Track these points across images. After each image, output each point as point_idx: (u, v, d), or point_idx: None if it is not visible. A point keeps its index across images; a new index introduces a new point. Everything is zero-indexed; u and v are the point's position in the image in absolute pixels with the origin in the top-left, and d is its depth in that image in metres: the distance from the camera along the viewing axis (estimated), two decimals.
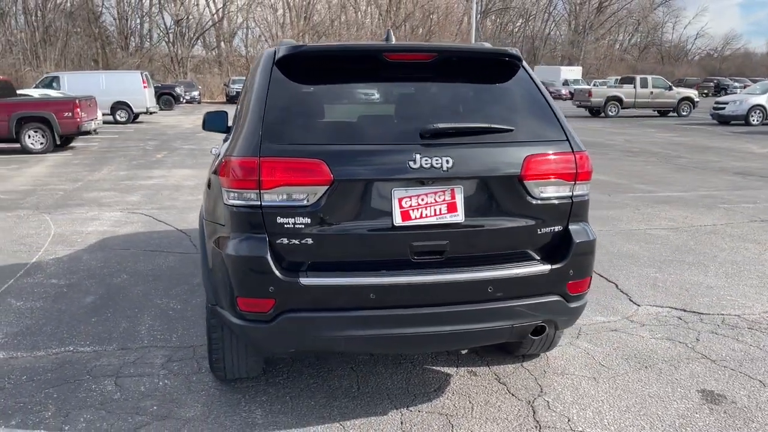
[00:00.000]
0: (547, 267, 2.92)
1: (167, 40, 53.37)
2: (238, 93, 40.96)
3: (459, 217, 2.80)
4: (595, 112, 28.85)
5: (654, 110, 29.51)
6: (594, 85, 48.31)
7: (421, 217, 2.77)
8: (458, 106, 3.09)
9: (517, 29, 75.42)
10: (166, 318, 4.40)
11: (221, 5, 55.78)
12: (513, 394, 3.36)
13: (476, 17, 68.93)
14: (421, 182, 2.75)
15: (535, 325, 2.98)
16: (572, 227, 3.01)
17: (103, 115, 21.41)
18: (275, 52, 3.00)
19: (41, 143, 15.07)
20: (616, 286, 5.17)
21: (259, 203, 2.70)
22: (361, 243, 2.78)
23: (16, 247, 6.39)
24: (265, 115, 2.79)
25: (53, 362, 3.73)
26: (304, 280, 2.70)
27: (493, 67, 3.17)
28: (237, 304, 2.77)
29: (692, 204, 8.67)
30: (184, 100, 36.17)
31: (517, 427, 3.05)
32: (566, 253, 2.96)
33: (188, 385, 3.45)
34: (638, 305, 4.74)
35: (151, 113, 25.62)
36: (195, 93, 40.33)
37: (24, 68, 43.84)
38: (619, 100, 28.38)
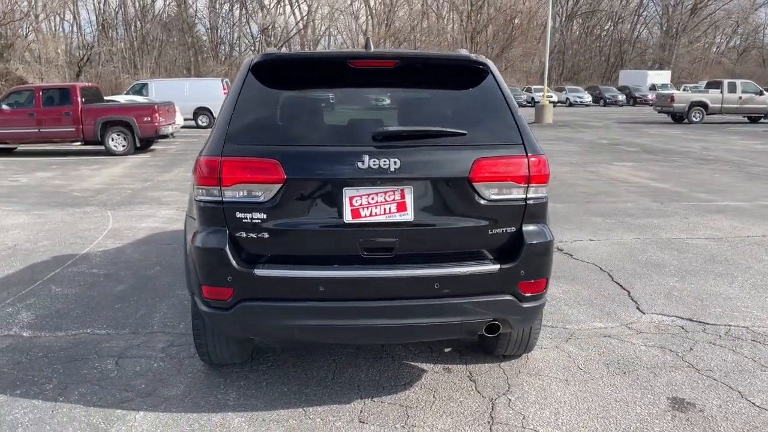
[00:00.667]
0: (496, 266, 3.01)
1: (253, 48, 55.36)
2: None
3: (408, 216, 2.94)
4: (678, 118, 27.73)
5: (744, 116, 28.04)
6: (684, 89, 46.40)
7: (370, 215, 2.92)
8: (418, 111, 3.23)
9: (604, 32, 73.32)
10: (180, 307, 4.73)
11: (305, 13, 57.34)
12: (479, 392, 3.45)
13: (557, 20, 67.53)
14: (372, 182, 2.91)
15: (486, 323, 3.06)
16: (526, 228, 3.08)
17: (186, 120, 22.65)
18: (252, 59, 3.24)
19: (123, 146, 16.11)
20: (629, 294, 5.11)
21: (220, 199, 2.94)
22: (314, 238, 2.97)
23: (73, 240, 6.96)
24: (233, 118, 3.03)
25: (69, 342, 4.12)
26: (258, 272, 2.92)
27: (458, 74, 3.28)
28: (202, 291, 3.02)
29: (748, 214, 8.32)
30: None
31: (470, 422, 3.14)
32: (518, 253, 3.04)
33: (179, 368, 3.73)
34: (644, 313, 4.67)
35: None
36: None
37: (122, 76, 46.68)
38: (704, 105, 27.14)
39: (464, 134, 3.03)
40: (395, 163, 2.90)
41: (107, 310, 4.71)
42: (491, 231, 3.03)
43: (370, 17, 61.48)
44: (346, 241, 2.95)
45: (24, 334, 4.25)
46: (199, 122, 25.87)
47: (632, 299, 4.98)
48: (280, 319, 2.97)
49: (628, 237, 7.06)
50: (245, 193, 2.92)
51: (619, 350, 4.00)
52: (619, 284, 5.35)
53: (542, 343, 4.12)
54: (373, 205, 2.92)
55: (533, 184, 3.06)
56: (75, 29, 53.05)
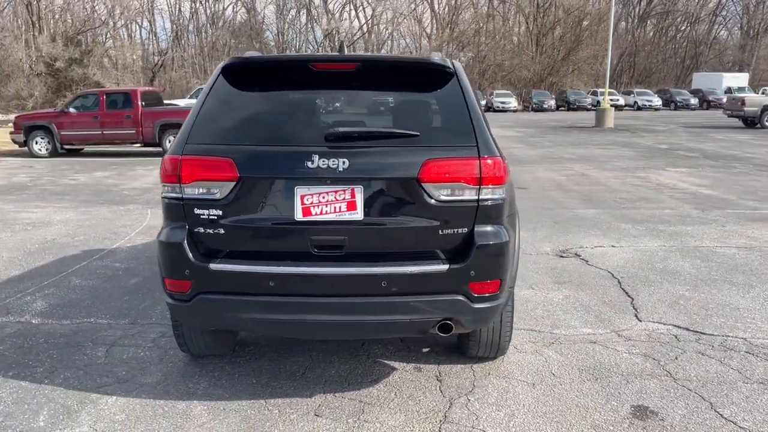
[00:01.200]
0: (445, 266, 3.04)
1: (316, 53, 56.29)
2: None
3: (358, 215, 3.01)
4: (750, 122, 26.49)
5: None
6: (763, 93, 44.24)
7: (321, 213, 3.01)
8: (376, 112, 3.29)
9: (680, 34, 70.68)
10: None
11: (369, 18, 57.86)
12: (441, 391, 3.47)
13: (629, 22, 65.46)
14: (322, 181, 2.99)
15: (437, 322, 3.09)
16: (479, 229, 3.08)
17: None
18: (223, 62, 3.39)
19: None
20: (632, 301, 4.99)
21: (181, 196, 3.09)
22: (267, 235, 3.08)
23: (107, 235, 7.34)
24: (197, 118, 3.18)
25: (71, 330, 4.38)
26: (213, 266, 3.05)
27: (420, 77, 3.33)
28: (165, 284, 3.18)
29: None
30: None
31: (422, 420, 3.17)
32: (468, 254, 3.05)
33: (162, 358, 3.92)
34: (640, 321, 4.56)
35: None
36: None
37: (192, 80, 48.41)
38: None
39: (416, 135, 3.08)
40: (344, 163, 2.97)
41: (115, 301, 4.97)
42: (442, 231, 3.05)
43: (434, 20, 61.45)
44: (297, 239, 3.05)
45: (33, 321, 4.54)
46: None
47: (633, 307, 4.86)
48: (235, 312, 3.09)
49: (653, 244, 6.87)
50: (203, 191, 3.06)
51: (599, 357, 3.93)
52: (625, 291, 5.24)
53: (523, 346, 4.10)
54: (323, 204, 3.00)
55: (485, 186, 3.07)
56: (151, 36, 55.33)
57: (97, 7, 46.69)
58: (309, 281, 3.02)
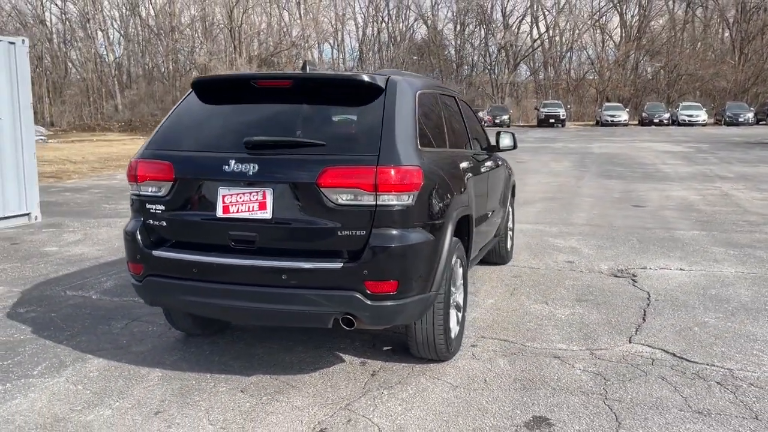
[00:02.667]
0: (339, 264, 3.32)
1: (489, 67, 56.37)
2: (547, 116, 41.50)
3: (267, 214, 3.41)
4: None
5: None
6: None
7: (237, 212, 3.45)
8: (299, 123, 3.64)
9: None
10: None
11: (546, 29, 56.72)
12: (365, 384, 3.73)
13: None
14: (239, 183, 3.44)
15: (337, 315, 3.38)
16: (376, 232, 3.33)
17: None
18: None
19: None
20: (641, 324, 4.80)
21: (138, 193, 3.71)
22: (196, 229, 3.59)
23: None
24: (161, 128, 3.79)
25: (114, 305, 5.23)
26: (155, 253, 3.62)
27: (346, 92, 3.65)
28: (128, 266, 3.81)
29: None
30: (486, 124, 37.97)
31: (324, 404, 3.46)
32: (361, 254, 3.31)
33: (162, 333, 4.58)
34: (630, 343, 4.41)
35: None
36: (505, 117, 42.10)
37: None
38: None
39: (322, 145, 3.41)
40: (254, 167, 3.39)
41: None
42: (341, 232, 3.34)
43: (621, 29, 58.56)
44: (219, 233, 3.51)
45: (93, 297, 5.48)
46: None
47: (637, 329, 4.68)
48: (172, 293, 3.64)
49: (730, 270, 6.37)
50: (152, 189, 3.65)
51: (547, 371, 3.91)
52: (644, 314, 5.02)
53: (483, 354, 4.20)
54: (239, 204, 3.44)
55: (384, 192, 3.30)
56: (338, 55, 59.10)
57: (293, 31, 51.08)
58: (226, 271, 3.47)
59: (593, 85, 58.21)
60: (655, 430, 3.20)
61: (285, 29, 50.04)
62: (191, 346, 4.34)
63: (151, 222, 3.68)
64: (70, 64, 55.29)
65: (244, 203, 3.45)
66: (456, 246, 3.98)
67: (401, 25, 59.91)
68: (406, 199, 3.38)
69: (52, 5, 52.37)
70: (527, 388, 3.67)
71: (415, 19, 59.62)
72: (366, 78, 3.62)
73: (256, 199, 3.43)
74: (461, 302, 4.29)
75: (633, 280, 6.03)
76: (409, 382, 3.76)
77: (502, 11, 57.76)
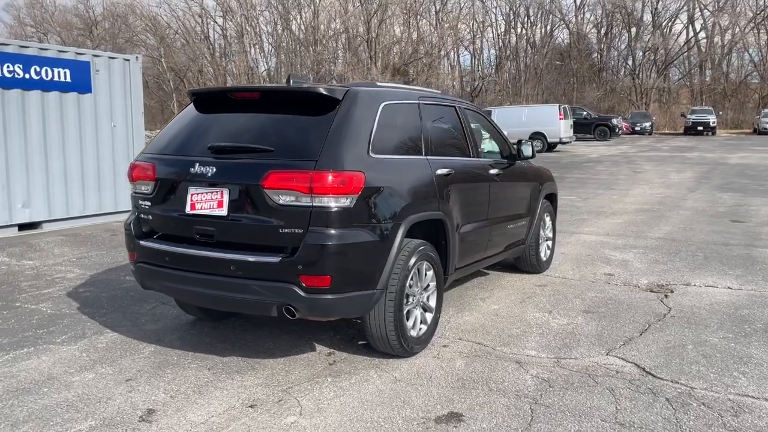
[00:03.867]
0: (277, 258, 3.67)
1: (633, 72, 53.52)
2: (695, 123, 38.80)
3: (224, 211, 3.85)
4: None
5: None
6: None
7: (201, 208, 3.92)
8: (261, 130, 4.02)
9: None
10: None
11: (698, 30, 52.92)
12: (317, 371, 4.04)
13: None
14: (202, 183, 3.90)
15: (278, 305, 3.73)
16: (313, 230, 3.64)
17: None
18: None
19: None
20: (633, 338, 4.71)
21: (134, 191, 4.30)
22: (172, 222, 4.09)
23: None
24: (158, 135, 4.36)
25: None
26: (142, 243, 4.18)
27: (306, 103, 4.00)
28: (129, 253, 4.42)
29: None
30: (620, 132, 36.19)
31: (265, 384, 3.83)
32: (297, 249, 3.65)
33: (178, 316, 5.17)
34: (606, 355, 4.36)
35: (564, 143, 27.16)
36: (646, 124, 39.89)
37: (505, 102, 50.37)
38: None
39: (271, 150, 3.78)
40: (214, 170, 3.84)
41: None
42: (282, 230, 3.70)
43: None
44: (187, 227, 4.00)
45: None
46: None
47: (624, 343, 4.59)
48: (153, 278, 4.18)
49: None
50: (142, 188, 4.22)
51: (497, 374, 4.01)
52: (644, 329, 4.90)
53: (447, 354, 4.37)
54: (203, 201, 3.91)
55: (321, 195, 3.61)
56: (475, 62, 58.99)
57: (431, 39, 51.89)
58: (191, 260, 3.95)
59: (756, 90, 53.39)
60: (558, 430, 3.23)
61: (421, 38, 50.87)
62: (193, 328, 4.88)
63: (142, 216, 4.25)
64: (228, 77, 59.75)
65: (206, 201, 3.91)
66: (418, 249, 4.18)
67: (542, 30, 58.61)
68: (345, 202, 3.66)
69: (214, 24, 57.01)
70: (465, 388, 3.79)
71: (557, 25, 58.07)
72: (322, 90, 3.95)
73: (216, 198, 3.87)
74: (433, 304, 4.46)
75: (665, 295, 5.81)
76: (358, 373, 4.02)
77: (652, 12, 54.65)
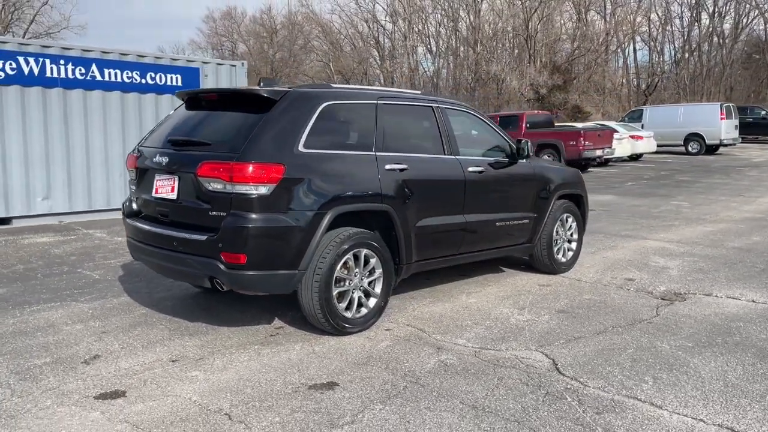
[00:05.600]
0: (204, 237, 4.27)
1: None
2: None
3: (174, 195, 4.52)
4: None
5: None
6: None
7: (161, 193, 4.63)
8: (212, 126, 4.62)
9: None
10: None
11: None
12: (246, 341, 4.57)
13: None
14: (161, 171, 4.61)
15: (207, 277, 4.33)
16: (233, 213, 4.18)
17: (674, 146, 22.79)
18: None
19: None
20: (575, 339, 4.69)
21: (129, 178, 5.14)
22: (144, 204, 4.84)
23: None
24: (153, 129, 5.16)
25: None
26: (127, 221, 4.99)
27: (247, 102, 4.54)
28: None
29: None
30: None
31: (187, 350, 4.43)
32: (218, 230, 4.21)
33: (189, 288, 5.97)
34: (534, 350, 4.43)
35: (726, 145, 24.91)
36: None
37: (682, 100, 46.87)
38: None
39: (209, 144, 4.38)
40: (165, 159, 4.53)
41: None
42: (210, 212, 4.28)
43: None
44: (153, 208, 4.72)
45: None
46: (690, 149, 25.01)
47: (566, 342, 4.61)
48: (134, 250, 4.96)
49: None
50: (131, 175, 5.03)
51: (408, 355, 4.26)
52: (602, 331, 4.84)
53: (380, 336, 4.68)
54: (162, 186, 4.61)
55: (237, 183, 4.15)
56: (658, 57, 55.32)
57: (597, 34, 49.73)
58: (152, 236, 4.67)
59: None
60: (409, 407, 3.48)
61: (585, 34, 48.88)
62: (193, 298, 5.63)
63: (132, 198, 5.07)
64: (394, 78, 61.79)
65: (164, 186, 4.60)
66: (354, 236, 4.55)
67: (734, 20, 53.48)
68: (262, 190, 4.16)
69: (382, 28, 59.27)
70: (364, 364, 4.12)
71: (748, 13, 52.66)
72: (262, 92, 4.48)
73: (170, 184, 4.56)
74: (378, 290, 4.79)
75: (670, 303, 5.58)
76: (285, 344, 4.50)
77: None
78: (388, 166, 4.86)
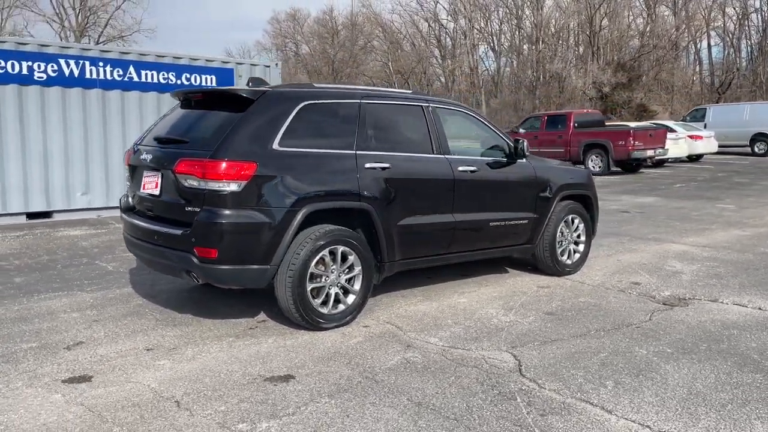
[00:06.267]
0: (179, 231, 4.43)
1: None
2: None
3: (158, 192, 4.71)
4: None
5: None
6: None
7: (147, 189, 4.83)
8: (194, 124, 4.78)
9: None
10: None
11: None
12: (222, 335, 4.72)
13: None
14: (150, 168, 4.80)
15: (182, 269, 4.50)
16: (206, 208, 4.32)
17: (740, 147, 21.81)
18: None
19: (599, 166, 17.57)
20: (550, 341, 4.63)
21: (126, 174, 5.38)
22: (136, 200, 5.05)
23: None
24: (150, 127, 5.39)
25: None
26: (123, 216, 5.22)
27: (227, 102, 4.68)
28: None
29: None
30: None
31: (164, 340, 4.60)
32: (191, 225, 4.37)
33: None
34: (503, 351, 4.40)
35: None
36: None
37: (758, 99, 44.68)
38: None
39: (186, 142, 4.55)
40: (149, 157, 4.73)
41: None
42: (186, 208, 4.44)
43: None
44: (141, 203, 4.93)
45: None
46: (756, 149, 23.87)
47: (541, 343, 4.56)
48: (129, 244, 5.18)
49: None
50: (127, 171, 5.27)
51: (375, 352, 4.29)
52: (583, 335, 4.76)
53: (355, 332, 4.74)
54: (148, 183, 4.82)
55: (210, 180, 4.29)
56: (726, 54, 53.00)
57: (667, 30, 48.06)
58: (140, 230, 4.88)
59: None
60: (354, 402, 3.52)
61: (653, 31, 47.28)
62: (191, 291, 5.83)
63: (126, 194, 5.30)
64: (454, 76, 61.33)
65: (150, 182, 4.80)
66: (330, 233, 4.62)
67: None
68: (234, 187, 4.29)
69: (443, 27, 59.05)
70: (328, 359, 4.18)
71: None
72: (241, 91, 4.61)
73: (154, 180, 4.75)
74: (356, 287, 4.85)
75: (671, 308, 5.42)
76: (260, 337, 4.62)
77: None
78: (368, 165, 4.91)
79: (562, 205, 6.40)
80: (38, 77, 9.52)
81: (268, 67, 11.80)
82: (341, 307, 4.81)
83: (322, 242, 4.60)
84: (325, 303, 4.73)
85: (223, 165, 4.29)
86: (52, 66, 9.60)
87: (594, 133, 18.14)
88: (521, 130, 19.59)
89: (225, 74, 11.15)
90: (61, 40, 47.41)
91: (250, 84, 5.13)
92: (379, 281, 5.18)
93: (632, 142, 16.95)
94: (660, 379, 3.91)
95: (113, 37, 50.14)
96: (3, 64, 9.23)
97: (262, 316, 5.11)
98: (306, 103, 4.75)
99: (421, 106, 5.52)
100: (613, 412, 3.46)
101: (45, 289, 5.95)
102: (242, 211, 4.35)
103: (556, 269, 6.42)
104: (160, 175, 4.71)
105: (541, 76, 47.15)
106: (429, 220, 5.32)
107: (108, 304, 5.45)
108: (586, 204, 6.72)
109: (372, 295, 5.65)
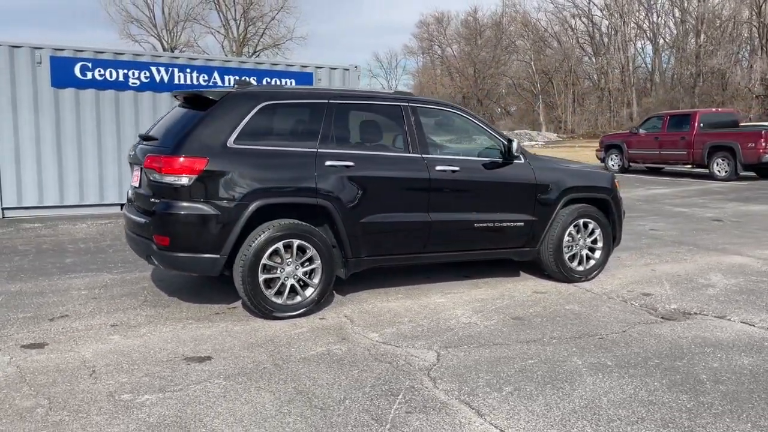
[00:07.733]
0: (144, 220, 4.87)
1: None
2: None
3: (137, 185, 5.20)
4: None
5: None
6: None
7: (133, 182, 5.34)
8: (173, 123, 5.17)
9: None
10: None
11: None
12: (190, 318, 5.08)
13: None
14: (136, 164, 5.31)
15: (146, 254, 4.94)
16: (162, 200, 4.73)
17: None
18: None
19: (725, 171, 16.09)
20: (504, 344, 4.52)
21: None
22: (132, 193, 5.57)
23: None
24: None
25: None
26: (124, 209, 5.79)
27: (201, 103, 5.03)
28: None
29: None
30: None
31: (138, 319, 5.05)
32: (151, 215, 4.79)
33: None
34: (430, 350, 4.36)
35: None
36: None
37: None
38: None
39: (156, 139, 4.98)
40: (133, 153, 5.22)
41: None
42: (151, 199, 4.87)
43: None
44: (132, 197, 5.45)
45: None
46: None
47: (479, 346, 4.46)
48: (126, 236, 5.73)
49: None
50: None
51: (308, 343, 4.43)
52: (533, 341, 4.59)
53: (305, 324, 4.88)
54: (135, 178, 5.32)
55: (165, 174, 4.68)
56: None
57: None
58: (128, 221, 5.39)
59: None
60: (241, 385, 3.70)
61: None
62: (190, 278, 6.29)
63: (128, 190, 5.86)
64: (604, 73, 58.39)
65: (135, 177, 5.30)
66: (284, 227, 4.84)
67: None
68: (185, 181, 4.65)
69: (592, 23, 56.55)
70: (257, 345, 4.38)
71: None
72: (207, 93, 4.96)
73: (137, 175, 5.24)
74: (315, 281, 5.01)
75: (664, 322, 5.03)
76: (215, 321, 4.92)
77: None
78: (329, 163, 5.04)
79: (570, 208, 6.08)
80: (132, 83, 10.64)
81: (347, 70, 12.18)
82: (298, 298, 4.99)
83: (275, 234, 4.81)
84: (280, 293, 4.93)
85: (178, 160, 4.65)
86: (144, 73, 10.66)
87: (721, 134, 16.51)
88: (641, 131, 18.36)
89: (304, 78, 11.70)
90: (224, 49, 51.64)
91: (236, 87, 5.46)
92: (346, 276, 5.29)
93: (763, 144, 15.25)
94: (568, 389, 3.69)
95: (269, 45, 53.67)
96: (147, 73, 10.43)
97: (236, 303, 5.41)
98: (267, 102, 4.99)
99: (400, 105, 5.52)
100: (484, 416, 3.35)
101: (82, 269, 6.71)
102: (191, 203, 4.68)
103: (563, 275, 6.11)
104: (140, 170, 5.19)
105: (701, 73, 43.59)
106: (399, 218, 5.33)
107: (117, 284, 6.06)
108: (604, 208, 6.31)
109: (355, 290, 5.82)
